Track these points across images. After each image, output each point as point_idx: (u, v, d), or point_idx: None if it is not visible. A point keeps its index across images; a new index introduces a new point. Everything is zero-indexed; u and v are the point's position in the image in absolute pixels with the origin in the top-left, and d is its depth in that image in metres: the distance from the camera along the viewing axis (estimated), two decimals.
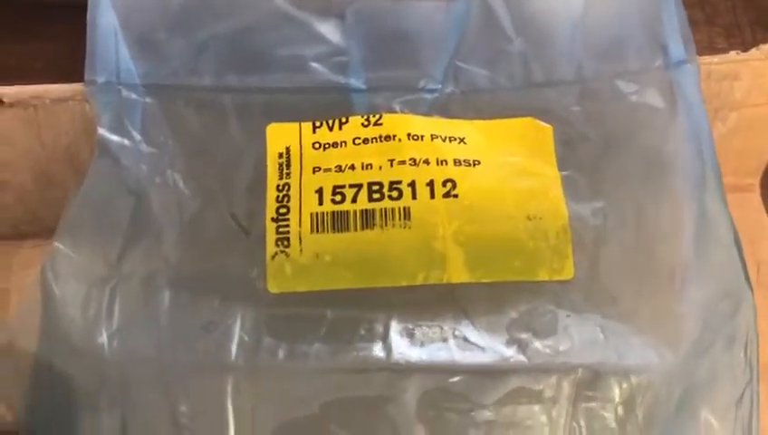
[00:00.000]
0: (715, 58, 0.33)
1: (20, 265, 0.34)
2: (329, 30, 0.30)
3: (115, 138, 0.29)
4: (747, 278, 0.29)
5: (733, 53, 0.33)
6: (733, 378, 0.28)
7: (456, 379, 0.26)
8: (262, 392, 0.26)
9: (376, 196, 0.28)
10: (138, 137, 0.29)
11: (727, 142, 0.36)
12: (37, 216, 0.34)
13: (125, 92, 0.30)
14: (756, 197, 0.39)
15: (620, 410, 0.27)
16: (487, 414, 0.26)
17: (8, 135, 0.31)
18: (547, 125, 0.30)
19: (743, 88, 0.34)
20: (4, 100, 0.31)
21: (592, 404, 0.26)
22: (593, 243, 0.28)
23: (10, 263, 0.34)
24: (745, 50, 0.34)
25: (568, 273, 0.28)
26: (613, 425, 0.26)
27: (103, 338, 0.27)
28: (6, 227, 0.35)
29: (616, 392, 0.27)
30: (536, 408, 0.26)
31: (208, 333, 0.27)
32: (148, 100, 0.30)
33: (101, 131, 0.29)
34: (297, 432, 0.26)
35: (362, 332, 0.27)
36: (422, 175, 0.29)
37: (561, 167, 0.29)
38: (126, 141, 0.29)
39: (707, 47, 0.45)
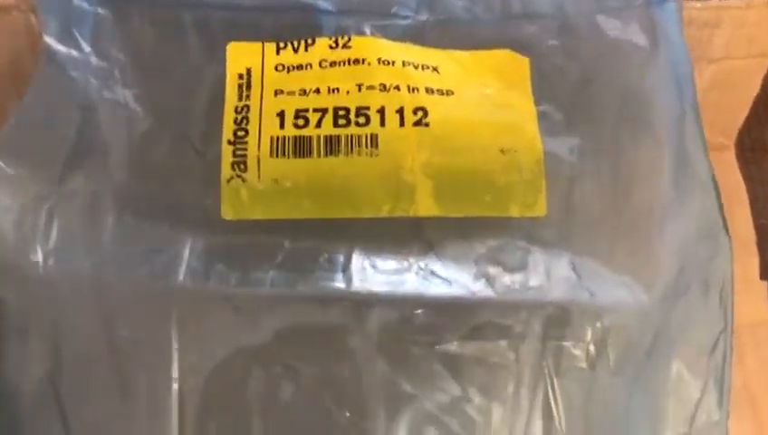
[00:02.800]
0: (697, 3, 0.32)
1: None
2: None
3: (62, 48, 0.27)
4: (725, 223, 0.28)
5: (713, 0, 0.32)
6: (707, 325, 0.27)
7: (420, 311, 0.25)
8: (210, 319, 0.24)
9: (342, 121, 0.27)
10: (87, 49, 0.27)
11: (704, 97, 0.35)
12: None
13: (76, 2, 0.28)
14: (731, 156, 0.38)
15: (591, 349, 0.25)
16: (452, 348, 0.25)
17: None
18: (524, 58, 0.29)
19: (723, 38, 0.33)
20: None
21: (562, 343, 0.25)
22: (568, 179, 0.27)
23: None
24: None
25: (540, 209, 0.26)
26: (583, 365, 0.25)
27: (38, 256, 0.24)
28: None
29: (587, 332, 0.25)
30: (503, 344, 0.25)
31: (155, 256, 0.25)
32: (100, 11, 0.28)
33: (48, 40, 0.27)
34: (248, 362, 0.24)
35: (322, 261, 0.25)
36: (392, 101, 0.27)
37: (537, 101, 0.28)
38: (74, 52, 0.27)
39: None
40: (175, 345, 0.24)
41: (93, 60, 0.27)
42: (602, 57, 0.29)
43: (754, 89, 0.36)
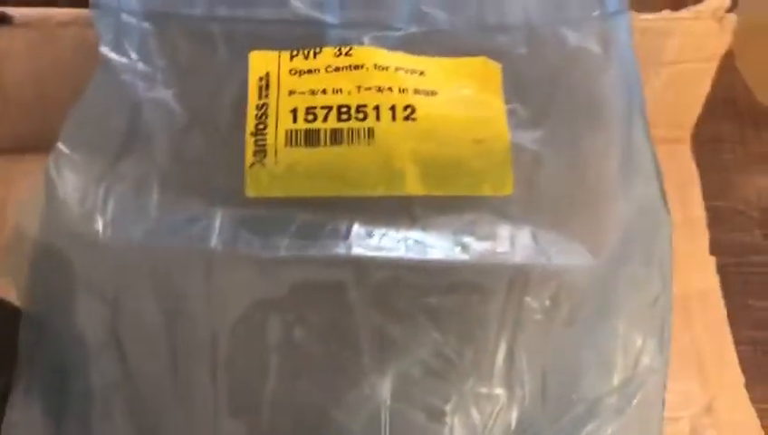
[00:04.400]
0: (650, 16, 0.37)
1: (22, 175, 0.37)
2: None
3: (115, 56, 0.33)
4: (665, 203, 0.33)
5: (665, 12, 0.37)
6: (648, 287, 0.32)
7: (407, 271, 0.30)
8: (237, 277, 0.30)
9: (344, 117, 0.32)
10: (135, 57, 0.33)
11: (661, 97, 0.40)
12: (38, 131, 0.37)
13: (125, 17, 0.33)
14: (686, 148, 0.43)
15: (547, 303, 0.31)
16: (433, 302, 0.30)
17: (15, 54, 0.35)
18: (496, 64, 0.34)
19: (675, 45, 0.38)
20: (15, 21, 0.34)
21: (523, 298, 0.31)
22: (531, 164, 0.32)
23: (12, 174, 0.38)
24: None
25: (508, 189, 0.32)
26: (540, 316, 0.31)
27: (99, 226, 0.30)
28: (10, 141, 0.38)
29: (544, 289, 0.31)
30: (475, 298, 0.30)
31: (192, 225, 0.31)
32: (145, 24, 0.34)
33: (104, 49, 0.33)
34: (269, 309, 0.30)
35: (328, 230, 0.31)
36: (386, 100, 0.32)
37: (507, 100, 0.33)
38: (125, 60, 0.33)
39: None
40: (208, 298, 0.30)
41: (140, 66, 0.33)
42: (564, 63, 0.34)
43: (705, 88, 0.41)
